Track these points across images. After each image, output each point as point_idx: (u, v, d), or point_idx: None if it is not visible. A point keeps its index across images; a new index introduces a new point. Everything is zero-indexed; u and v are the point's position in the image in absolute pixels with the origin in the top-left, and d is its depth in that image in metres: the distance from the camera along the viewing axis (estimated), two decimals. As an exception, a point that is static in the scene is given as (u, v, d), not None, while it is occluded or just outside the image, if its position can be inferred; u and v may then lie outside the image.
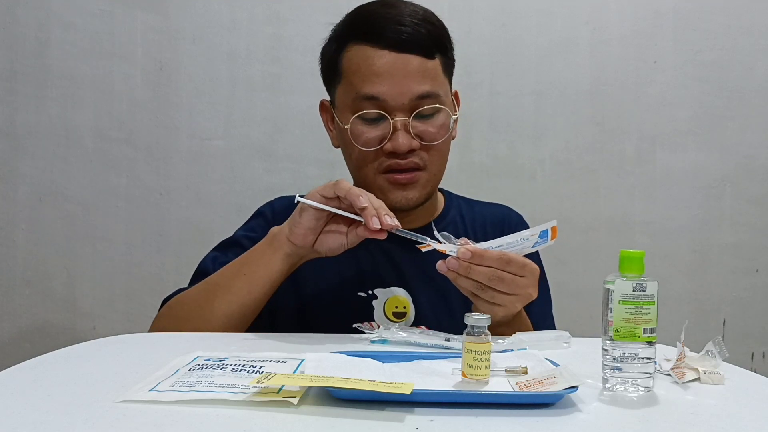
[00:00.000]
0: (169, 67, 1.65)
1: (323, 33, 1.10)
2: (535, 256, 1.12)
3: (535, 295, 0.88)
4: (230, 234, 1.13)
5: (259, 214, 1.15)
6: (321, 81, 1.13)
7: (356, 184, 1.09)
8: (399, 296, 1.06)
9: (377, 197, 1.02)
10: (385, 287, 1.06)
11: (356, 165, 1.05)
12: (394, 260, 1.09)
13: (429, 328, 1.03)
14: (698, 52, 1.67)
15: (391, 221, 0.85)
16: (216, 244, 1.12)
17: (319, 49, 1.11)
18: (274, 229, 0.94)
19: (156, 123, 1.65)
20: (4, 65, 1.64)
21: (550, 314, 1.15)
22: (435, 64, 1.02)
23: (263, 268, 0.93)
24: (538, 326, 1.06)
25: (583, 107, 1.68)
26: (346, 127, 1.01)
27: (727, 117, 1.68)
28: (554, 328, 1.12)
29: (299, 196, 0.90)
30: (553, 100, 1.67)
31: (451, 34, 1.08)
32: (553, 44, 1.67)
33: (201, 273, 1.04)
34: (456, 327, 0.81)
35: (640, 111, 1.68)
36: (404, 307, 1.06)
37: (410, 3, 1.05)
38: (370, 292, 1.06)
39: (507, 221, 1.17)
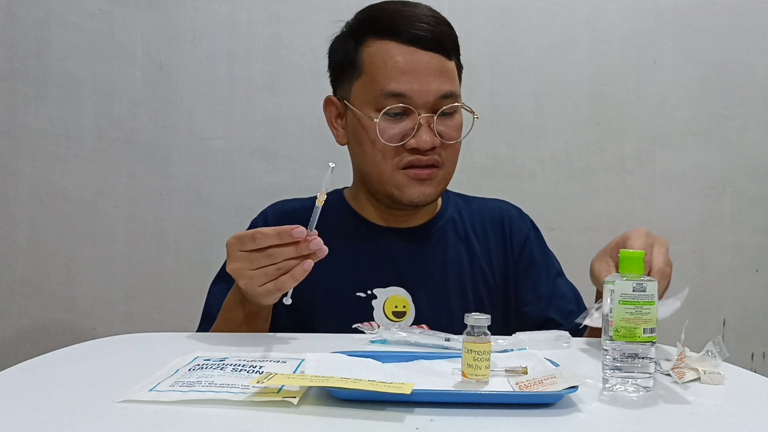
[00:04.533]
0: (169, 67, 1.65)
1: (323, 33, 1.10)
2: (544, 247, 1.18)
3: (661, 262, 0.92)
4: (230, 233, 1.13)
5: (252, 227, 1.14)
6: (320, 81, 1.12)
7: (367, 181, 1.07)
8: (398, 296, 1.06)
9: (393, 193, 1.03)
10: (384, 287, 1.06)
11: (376, 160, 1.03)
12: (393, 260, 1.09)
13: (429, 327, 1.03)
14: (698, 52, 1.67)
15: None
16: (218, 272, 1.10)
17: (320, 49, 1.10)
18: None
19: (156, 123, 1.65)
20: (4, 65, 1.64)
21: (561, 282, 1.18)
22: (452, 65, 1.04)
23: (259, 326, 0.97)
24: (553, 298, 1.11)
25: (583, 107, 1.67)
26: (375, 120, 1.00)
27: (727, 117, 1.68)
28: (574, 288, 1.16)
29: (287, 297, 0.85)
30: (553, 100, 1.67)
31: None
32: (553, 44, 1.67)
33: (208, 315, 1.06)
34: (455, 326, 0.81)
35: (640, 111, 1.68)
36: (404, 307, 1.06)
37: (422, 4, 1.06)
38: (369, 292, 1.06)
39: (506, 216, 1.18)
